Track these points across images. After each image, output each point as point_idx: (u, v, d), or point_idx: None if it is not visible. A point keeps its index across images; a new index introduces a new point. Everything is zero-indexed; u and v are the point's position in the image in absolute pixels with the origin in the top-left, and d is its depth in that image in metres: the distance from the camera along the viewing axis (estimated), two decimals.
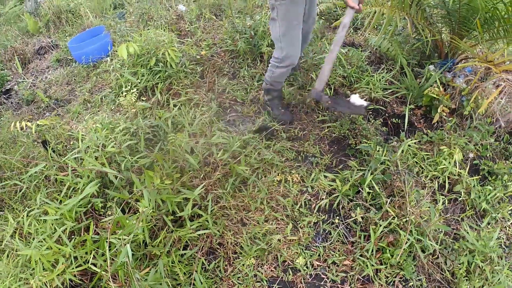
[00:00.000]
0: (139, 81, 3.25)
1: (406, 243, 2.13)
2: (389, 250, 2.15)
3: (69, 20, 5.67)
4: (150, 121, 2.73)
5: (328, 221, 2.32)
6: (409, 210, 2.19)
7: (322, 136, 2.88)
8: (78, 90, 3.96)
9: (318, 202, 2.38)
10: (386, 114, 3.09)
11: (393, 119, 3.05)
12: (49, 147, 2.60)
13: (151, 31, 3.55)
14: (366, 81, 3.18)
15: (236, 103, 3.18)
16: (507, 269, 2.42)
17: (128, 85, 3.11)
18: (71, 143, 2.80)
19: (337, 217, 2.32)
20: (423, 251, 2.25)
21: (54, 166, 2.42)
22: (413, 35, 3.70)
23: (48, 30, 5.68)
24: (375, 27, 4.07)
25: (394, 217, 2.20)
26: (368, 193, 2.35)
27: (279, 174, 2.50)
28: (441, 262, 2.28)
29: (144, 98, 3.20)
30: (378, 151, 2.48)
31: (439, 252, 2.31)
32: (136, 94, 3.01)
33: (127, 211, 2.22)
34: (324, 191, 2.43)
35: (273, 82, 2.82)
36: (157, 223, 2.14)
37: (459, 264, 2.30)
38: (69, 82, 4.22)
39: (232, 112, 3.08)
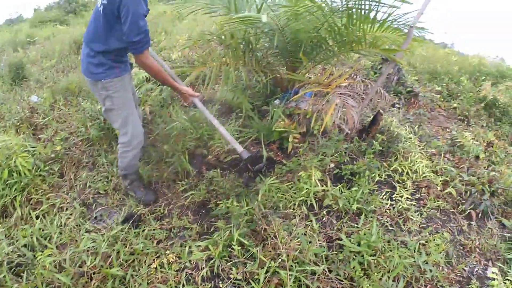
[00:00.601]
0: None
1: (290, 280, 2.21)
2: None
3: None
4: (14, 245, 2.50)
5: None
6: (281, 250, 2.29)
7: (187, 206, 2.91)
8: None
9: (199, 273, 2.36)
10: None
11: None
12: None
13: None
14: (218, 135, 3.33)
15: (100, 196, 3.06)
16: (399, 248, 2.61)
17: None
18: None
19: (221, 282, 2.32)
20: (314, 274, 2.35)
21: None
22: (253, 79, 4.03)
23: None
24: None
25: (270, 261, 2.28)
26: (242, 246, 2.42)
27: (155, 260, 2.44)
28: (335, 276, 2.40)
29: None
30: (237, 206, 2.58)
31: (327, 269, 2.44)
32: None
33: None
34: (202, 260, 2.42)
35: (127, 167, 2.81)
36: None
37: (352, 269, 2.44)
38: None
39: (98, 207, 2.95)
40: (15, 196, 2.96)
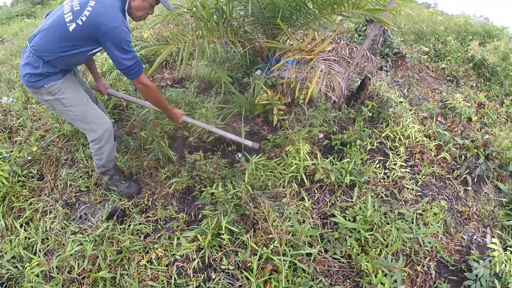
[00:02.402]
0: None
1: (285, 265, 2.05)
2: (274, 278, 2.05)
3: None
4: (2, 259, 2.34)
5: (208, 278, 2.15)
6: (273, 235, 2.12)
7: (172, 194, 2.70)
8: None
9: (190, 264, 2.19)
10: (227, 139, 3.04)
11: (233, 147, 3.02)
12: None
13: None
14: (198, 114, 3.08)
15: (82, 193, 2.85)
16: (397, 221, 2.49)
17: None
18: None
19: (213, 272, 2.15)
20: (309, 255, 2.20)
21: None
22: (231, 50, 3.74)
23: None
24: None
25: (262, 248, 2.11)
26: (232, 234, 2.24)
27: (144, 256, 2.26)
28: (331, 255, 2.27)
29: None
30: (222, 191, 2.37)
31: (323, 249, 2.30)
32: None
33: None
34: (192, 251, 2.25)
35: (105, 163, 2.58)
36: None
37: (349, 246, 2.30)
38: None
39: (81, 205, 2.76)
40: None
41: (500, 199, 3.12)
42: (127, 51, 2.05)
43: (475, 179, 3.21)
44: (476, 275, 2.30)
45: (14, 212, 2.73)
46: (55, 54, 2.07)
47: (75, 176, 3.00)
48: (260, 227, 2.22)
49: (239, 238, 2.23)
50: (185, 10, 3.46)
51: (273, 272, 2.09)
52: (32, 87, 2.17)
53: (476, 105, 4.48)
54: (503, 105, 4.79)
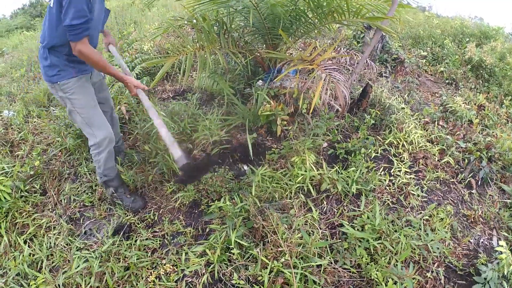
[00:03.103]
0: None
1: (296, 278, 2.05)
2: None
3: None
4: (6, 276, 2.31)
5: None
6: (283, 248, 2.12)
7: (178, 208, 2.70)
8: None
9: (200, 280, 2.18)
10: (234, 153, 3.04)
11: (239, 154, 3.01)
12: None
13: None
14: (202, 127, 3.09)
15: (86, 208, 2.84)
16: (404, 228, 2.49)
17: None
18: None
19: (224, 287, 2.14)
20: (319, 266, 2.20)
21: None
22: (232, 61, 3.76)
23: None
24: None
25: (273, 261, 2.11)
26: (241, 247, 2.24)
27: (152, 273, 2.24)
28: (341, 265, 2.27)
29: None
30: (230, 205, 2.37)
31: (333, 259, 2.30)
32: None
33: None
34: (201, 266, 2.24)
35: (105, 171, 2.61)
36: None
37: (358, 256, 2.30)
38: None
39: (86, 221, 2.75)
40: (0, 223, 2.72)
41: (505, 200, 3.13)
42: (79, 9, 1.95)
43: (479, 182, 3.22)
44: (485, 278, 2.30)
45: (18, 228, 2.70)
46: (52, 39, 2.15)
47: (78, 191, 2.98)
48: (269, 240, 2.22)
49: (248, 252, 2.23)
50: (186, 22, 3.48)
51: (284, 285, 2.08)
52: (49, 82, 2.31)
53: (476, 107, 4.50)
54: (503, 105, 4.81)
